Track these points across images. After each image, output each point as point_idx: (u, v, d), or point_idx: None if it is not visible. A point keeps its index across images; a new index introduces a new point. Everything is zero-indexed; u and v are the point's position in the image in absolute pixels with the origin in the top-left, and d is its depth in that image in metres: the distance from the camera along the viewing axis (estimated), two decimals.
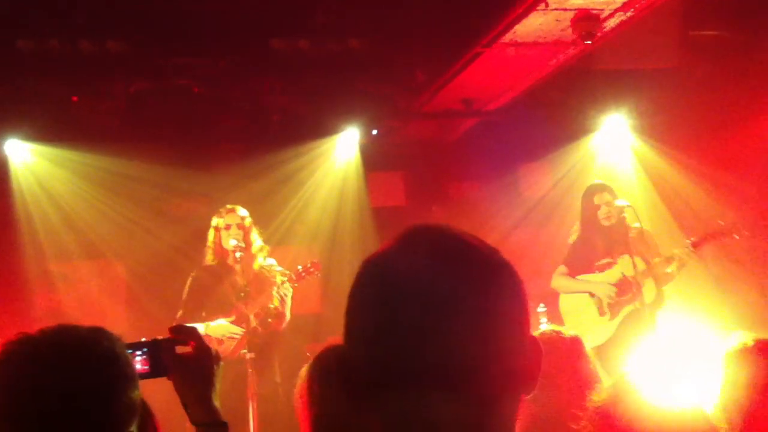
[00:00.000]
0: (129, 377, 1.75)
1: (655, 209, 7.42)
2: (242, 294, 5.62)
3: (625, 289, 5.95)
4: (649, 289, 5.88)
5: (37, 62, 5.97)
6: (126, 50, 6.03)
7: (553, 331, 2.83)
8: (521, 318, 1.14)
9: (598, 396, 2.03)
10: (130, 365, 1.77)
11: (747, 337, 2.73)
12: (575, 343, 2.80)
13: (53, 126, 6.70)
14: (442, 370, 1.06)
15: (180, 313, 5.76)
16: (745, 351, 2.67)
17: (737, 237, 5.87)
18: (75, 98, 6.78)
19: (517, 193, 8.29)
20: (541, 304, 6.24)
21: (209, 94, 6.89)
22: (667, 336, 5.49)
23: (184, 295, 5.82)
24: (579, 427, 2.01)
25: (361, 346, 1.11)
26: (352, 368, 1.12)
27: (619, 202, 5.95)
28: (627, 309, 5.96)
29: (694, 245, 5.89)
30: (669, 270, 5.92)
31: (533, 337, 1.14)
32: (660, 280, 5.91)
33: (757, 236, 7.08)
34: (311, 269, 5.86)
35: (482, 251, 1.14)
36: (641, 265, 5.84)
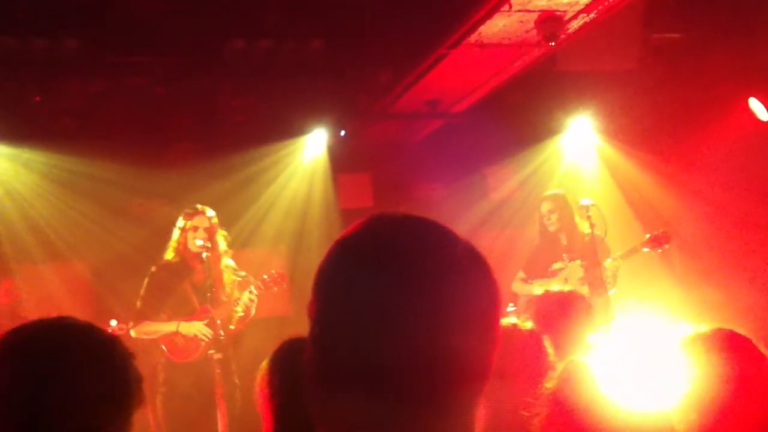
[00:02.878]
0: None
1: (618, 208, 7.52)
2: (208, 294, 5.56)
3: None
4: None
5: None
6: (84, 49, 5.96)
7: (510, 323, 2.74)
8: (495, 309, 1.07)
9: (550, 383, 2.01)
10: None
11: (703, 329, 2.71)
12: (532, 336, 2.74)
13: (14, 126, 6.61)
14: (399, 371, 0.99)
15: (138, 304, 5.69)
16: (702, 340, 2.66)
17: (659, 251, 6.09)
18: (38, 98, 6.69)
19: (483, 194, 8.31)
20: (511, 304, 6.33)
21: (170, 93, 6.83)
22: (625, 333, 5.55)
23: (143, 291, 5.72)
24: (531, 414, 1.99)
25: (325, 339, 1.05)
26: (308, 362, 1.06)
27: (583, 201, 6.09)
28: None
29: (622, 257, 6.10)
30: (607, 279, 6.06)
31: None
32: (597, 288, 6.02)
33: (718, 234, 7.18)
34: (278, 280, 5.81)
35: (456, 238, 1.07)
36: (579, 273, 6.13)
